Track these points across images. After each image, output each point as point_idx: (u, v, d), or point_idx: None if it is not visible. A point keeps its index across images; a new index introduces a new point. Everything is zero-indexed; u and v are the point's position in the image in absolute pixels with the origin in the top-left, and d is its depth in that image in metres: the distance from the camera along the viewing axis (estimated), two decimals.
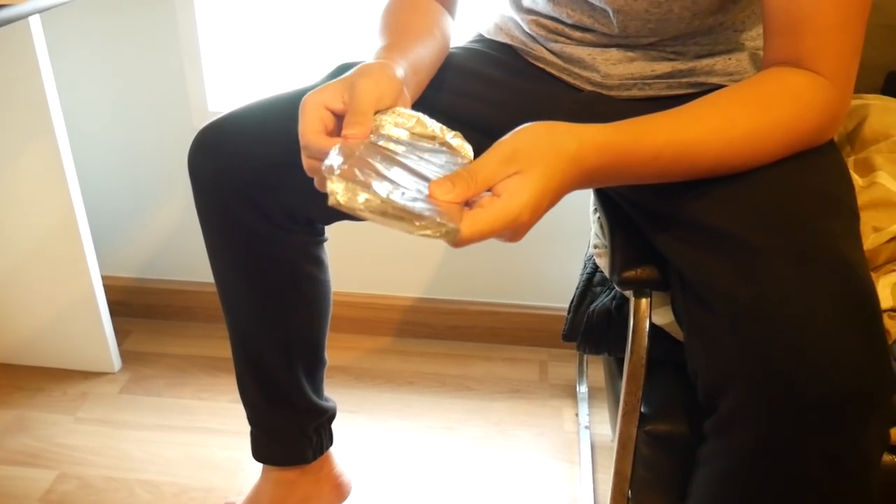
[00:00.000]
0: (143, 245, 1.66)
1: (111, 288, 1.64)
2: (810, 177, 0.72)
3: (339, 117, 0.66)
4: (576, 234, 1.52)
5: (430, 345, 1.64)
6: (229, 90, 1.53)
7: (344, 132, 0.62)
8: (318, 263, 0.99)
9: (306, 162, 0.66)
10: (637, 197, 0.84)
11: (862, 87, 1.19)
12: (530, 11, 0.95)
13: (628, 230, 0.83)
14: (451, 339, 1.65)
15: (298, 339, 1.01)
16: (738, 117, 0.70)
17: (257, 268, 0.93)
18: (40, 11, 0.78)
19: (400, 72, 0.71)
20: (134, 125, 1.54)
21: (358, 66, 0.69)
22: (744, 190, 0.71)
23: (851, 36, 0.70)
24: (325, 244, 1.00)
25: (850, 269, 0.62)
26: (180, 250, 1.65)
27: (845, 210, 0.71)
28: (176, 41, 1.45)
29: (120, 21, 1.44)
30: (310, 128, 0.65)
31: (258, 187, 0.87)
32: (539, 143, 0.62)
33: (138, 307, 1.69)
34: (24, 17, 0.76)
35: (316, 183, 0.66)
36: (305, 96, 0.67)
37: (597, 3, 0.85)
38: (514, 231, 0.60)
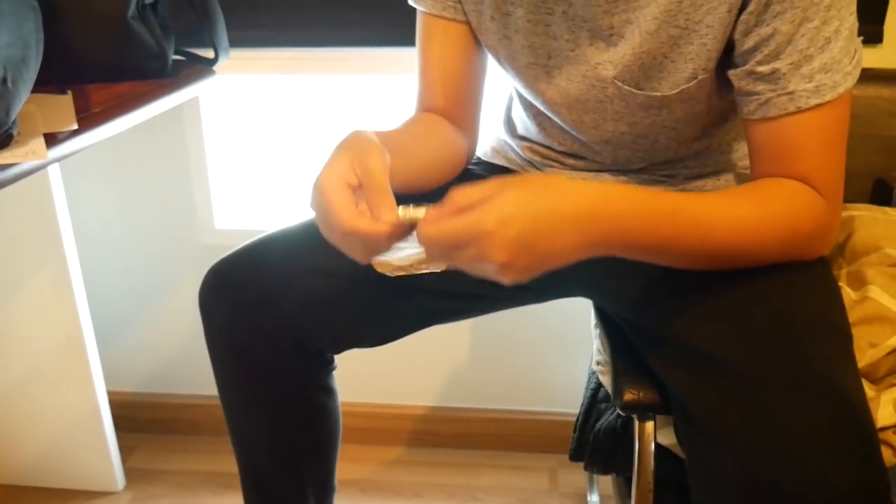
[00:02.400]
0: (149, 359, 1.67)
1: (116, 402, 1.64)
2: (802, 298, 0.74)
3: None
4: (581, 341, 1.53)
5: (437, 454, 1.62)
6: (235, 208, 1.58)
7: (381, 217, 0.62)
8: (329, 392, 0.99)
9: (356, 247, 0.65)
10: (633, 317, 0.85)
11: (850, 195, 1.22)
12: (524, 138, 0.99)
13: (628, 351, 0.84)
14: (459, 448, 1.63)
15: (308, 469, 1.00)
16: (743, 203, 0.72)
17: (269, 402, 0.94)
18: (59, 160, 0.82)
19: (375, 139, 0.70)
20: (142, 242, 1.58)
21: (348, 141, 0.68)
22: (736, 312, 0.73)
23: (837, 156, 0.74)
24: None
25: (845, 399, 0.63)
26: (185, 364, 1.66)
27: (837, 333, 0.72)
28: (185, 160, 1.50)
29: (130, 139, 1.50)
30: (350, 214, 0.62)
31: (272, 324, 0.88)
32: (528, 178, 0.63)
33: (143, 422, 1.68)
34: (45, 167, 0.80)
35: (361, 256, 0.66)
36: (322, 178, 0.65)
37: (584, 140, 0.88)
38: (480, 242, 0.59)
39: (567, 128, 0.89)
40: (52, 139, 0.80)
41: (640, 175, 0.91)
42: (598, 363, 0.99)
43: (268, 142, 1.56)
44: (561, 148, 0.93)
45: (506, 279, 0.62)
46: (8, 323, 1.39)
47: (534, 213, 0.60)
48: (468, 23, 0.88)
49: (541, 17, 0.80)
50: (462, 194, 0.61)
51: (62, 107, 0.90)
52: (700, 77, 0.76)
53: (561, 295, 0.99)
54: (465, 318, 1.01)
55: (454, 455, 1.62)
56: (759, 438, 0.62)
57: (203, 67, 1.17)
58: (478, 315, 1.01)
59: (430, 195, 0.71)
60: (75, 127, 0.83)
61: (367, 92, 1.49)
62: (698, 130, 0.84)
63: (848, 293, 0.88)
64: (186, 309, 1.62)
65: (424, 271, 0.67)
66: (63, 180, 1.32)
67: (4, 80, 0.72)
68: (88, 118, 0.88)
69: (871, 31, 1.28)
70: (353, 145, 0.68)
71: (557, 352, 1.55)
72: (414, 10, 0.93)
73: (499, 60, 0.89)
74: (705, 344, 0.71)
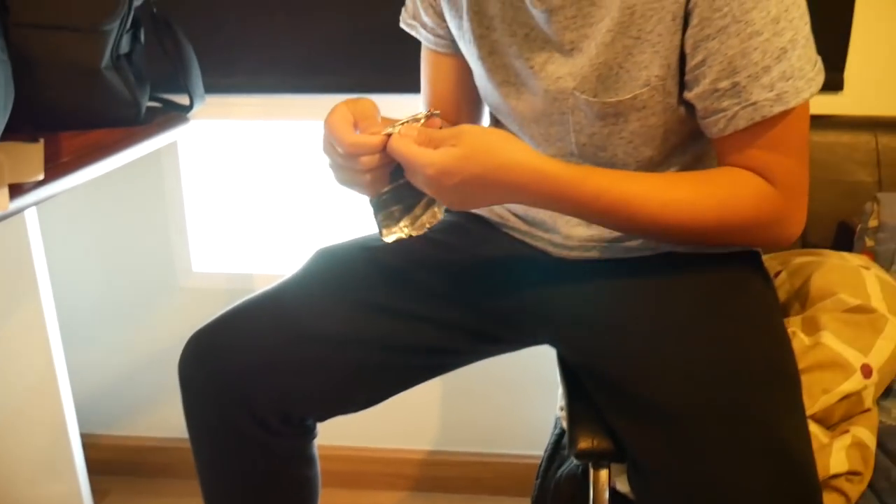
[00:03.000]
0: (123, 401, 1.66)
1: (89, 446, 1.63)
2: (750, 345, 0.75)
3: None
4: (556, 384, 1.53)
5: (413, 498, 1.61)
6: (213, 251, 1.59)
7: (372, 130, 0.75)
8: (311, 462, 0.98)
9: (358, 159, 0.76)
10: (589, 365, 0.86)
11: (815, 238, 1.25)
12: None
13: (585, 399, 0.85)
14: (435, 491, 1.62)
15: None
16: (679, 183, 0.79)
17: (248, 476, 0.92)
18: (44, 200, 0.84)
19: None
20: (118, 284, 1.59)
21: (345, 100, 0.79)
22: (685, 360, 0.74)
23: (795, 152, 0.78)
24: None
25: (787, 454, 0.64)
26: (160, 407, 1.65)
27: (786, 381, 0.73)
28: (162, 202, 1.52)
29: (108, 181, 1.51)
30: (349, 133, 0.75)
31: (257, 395, 0.87)
32: (485, 138, 0.74)
33: (117, 465, 1.67)
34: (21, 210, 0.81)
35: (368, 182, 0.78)
36: (328, 118, 0.77)
37: (552, 154, 0.91)
38: (423, 177, 0.73)
39: (537, 146, 0.92)
40: (17, 188, 0.82)
41: None
42: (561, 409, 1.00)
43: (246, 185, 1.58)
44: None
45: (441, 201, 0.77)
46: None
47: (471, 173, 0.72)
48: (458, 54, 0.97)
49: (510, 40, 0.86)
50: (433, 131, 0.74)
51: (31, 156, 0.92)
52: (653, 84, 0.79)
53: (528, 343, 1.01)
54: (444, 372, 1.02)
55: (430, 499, 1.61)
56: (702, 492, 0.63)
57: (177, 114, 1.19)
58: (457, 368, 1.02)
59: None
60: (41, 177, 0.85)
61: None
62: (655, 152, 0.86)
63: (801, 339, 0.90)
64: (162, 351, 1.62)
65: (427, 225, 0.80)
66: (39, 222, 1.33)
67: None
68: (57, 167, 0.89)
69: (831, 79, 1.31)
70: (349, 100, 0.80)
71: (531, 394, 1.55)
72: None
73: (478, 79, 0.95)
74: (653, 394, 0.72)
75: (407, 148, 0.73)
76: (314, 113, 1.43)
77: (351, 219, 1.56)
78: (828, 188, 1.25)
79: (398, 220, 0.80)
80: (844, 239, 1.22)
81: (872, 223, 1.14)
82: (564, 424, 0.99)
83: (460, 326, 0.96)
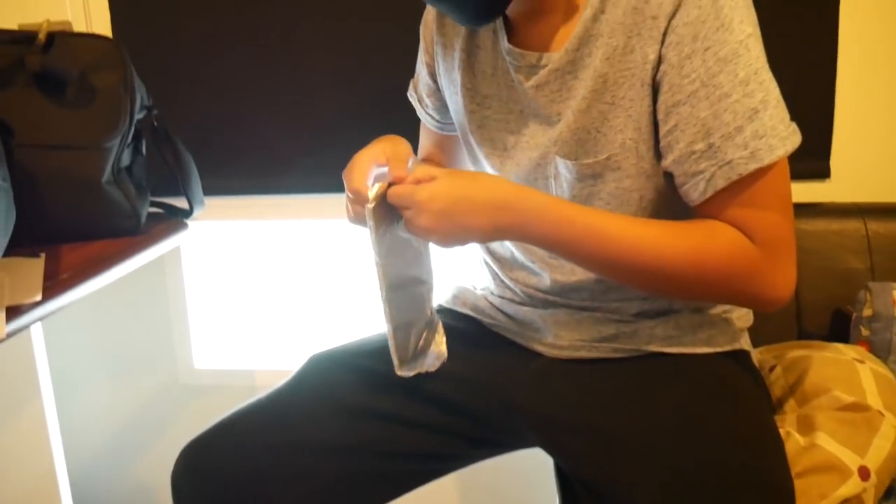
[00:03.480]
0: (124, 500, 1.65)
1: None
2: (742, 456, 0.75)
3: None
4: None
5: None
6: (215, 348, 1.60)
7: (393, 174, 0.84)
8: None
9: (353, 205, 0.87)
10: (581, 472, 0.85)
11: (811, 326, 1.25)
12: (487, 252, 1.04)
13: None
14: None
15: None
16: (653, 224, 0.79)
17: None
18: (42, 318, 0.86)
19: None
20: (120, 381, 1.60)
21: (385, 137, 0.91)
22: (676, 472, 0.74)
23: (776, 208, 0.77)
24: None
25: None
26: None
27: (774, 490, 0.72)
28: (164, 300, 1.54)
29: (112, 284, 1.54)
30: (361, 180, 0.85)
31: None
32: (468, 170, 0.86)
33: None
34: (19, 331, 0.83)
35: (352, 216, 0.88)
36: (359, 154, 0.88)
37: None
38: (414, 208, 0.79)
39: None
40: (15, 310, 0.84)
41: (594, 312, 0.94)
42: None
43: (247, 282, 1.60)
44: (518, 251, 0.98)
45: (432, 240, 0.81)
46: None
47: (456, 196, 0.79)
48: (449, 133, 1.09)
49: (507, 117, 0.93)
50: (421, 169, 0.82)
51: (32, 273, 0.94)
52: (627, 145, 0.82)
53: (522, 446, 1.00)
54: (439, 476, 1.01)
55: None
56: None
57: (177, 221, 1.22)
58: (451, 471, 1.02)
59: None
60: (39, 298, 0.87)
61: (343, 236, 1.54)
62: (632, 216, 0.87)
63: (796, 439, 0.89)
64: (163, 448, 1.61)
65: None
66: (42, 322, 1.35)
67: None
68: (56, 285, 0.92)
69: (817, 167, 1.34)
70: (390, 139, 0.91)
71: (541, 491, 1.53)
72: None
73: (469, 148, 1.01)
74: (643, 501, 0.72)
75: (399, 190, 0.81)
76: (313, 212, 1.46)
77: (349, 316, 1.57)
78: (820, 276, 1.26)
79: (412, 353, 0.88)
80: (841, 327, 1.22)
81: (867, 312, 1.14)
82: None
83: (454, 431, 0.96)
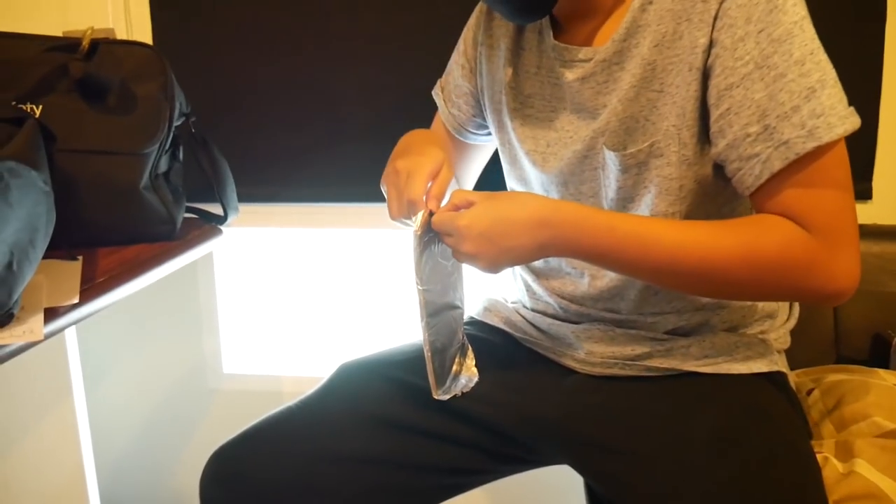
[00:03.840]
0: (150, 500, 1.66)
1: None
2: (777, 480, 0.73)
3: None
4: None
5: None
6: (244, 353, 1.61)
7: (429, 204, 0.83)
8: None
9: (401, 208, 0.85)
10: (611, 492, 0.84)
11: (849, 350, 1.22)
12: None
13: None
14: None
15: None
16: (699, 226, 0.77)
17: None
18: (79, 321, 0.87)
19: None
20: (150, 386, 1.61)
21: (434, 150, 0.87)
22: (706, 492, 0.72)
23: (832, 194, 0.74)
24: None
25: None
26: None
27: None
28: (196, 305, 1.55)
29: (145, 289, 1.56)
30: (419, 194, 0.82)
31: None
32: (503, 192, 0.82)
33: None
34: (55, 334, 0.84)
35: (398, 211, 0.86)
36: (417, 165, 0.84)
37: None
38: (456, 234, 0.78)
39: None
40: (53, 311, 0.85)
41: (628, 329, 0.93)
42: None
43: (278, 289, 1.61)
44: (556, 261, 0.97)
45: (479, 266, 0.80)
46: (12, 467, 1.41)
47: (493, 218, 0.78)
48: (461, 139, 1.10)
49: (545, 115, 0.93)
50: (458, 195, 0.81)
51: (69, 275, 0.96)
52: (669, 131, 0.81)
53: (550, 463, 0.99)
54: (465, 490, 1.00)
55: None
56: None
57: (212, 227, 1.23)
58: (477, 486, 1.01)
59: None
60: (76, 300, 0.88)
61: (375, 245, 1.55)
62: (675, 209, 0.85)
63: (834, 465, 0.87)
64: (191, 451, 1.62)
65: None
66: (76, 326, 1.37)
67: (10, 265, 0.77)
68: (92, 288, 0.93)
69: (860, 188, 1.31)
70: (445, 159, 0.87)
71: None
72: None
73: (508, 149, 1.00)
74: None
75: (444, 215, 0.81)
76: (344, 221, 1.47)
77: (377, 325, 1.57)
78: (861, 300, 1.22)
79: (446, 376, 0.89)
80: (880, 352, 1.19)
81: None
82: None
83: (482, 446, 0.95)
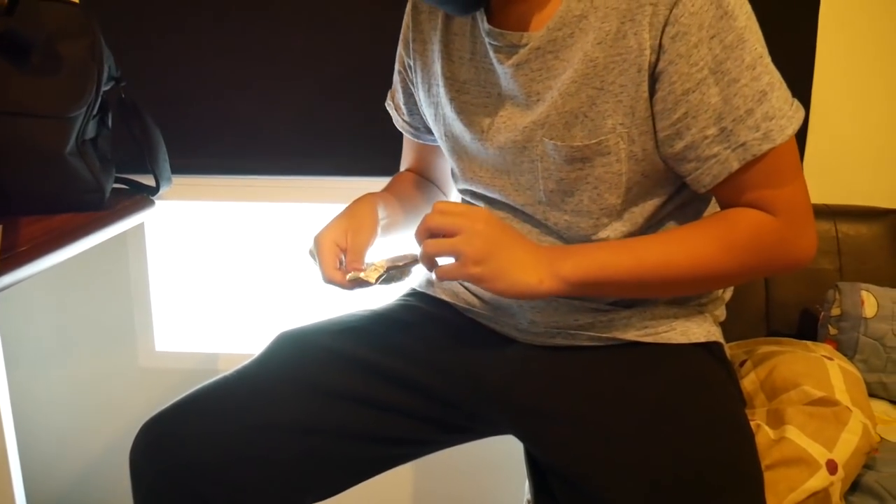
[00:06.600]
0: (81, 486, 1.60)
1: None
2: (713, 445, 0.74)
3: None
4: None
5: None
6: (177, 330, 1.57)
7: (349, 267, 0.88)
8: None
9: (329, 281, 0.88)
10: (552, 460, 0.84)
11: (779, 325, 1.26)
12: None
13: (549, 495, 0.84)
14: None
15: None
16: (677, 235, 0.84)
17: None
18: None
19: (380, 212, 0.96)
20: (78, 363, 1.55)
21: (353, 209, 0.94)
22: (647, 461, 0.73)
23: (790, 182, 0.80)
24: None
25: None
26: (120, 490, 1.59)
27: (747, 482, 0.72)
28: (126, 281, 1.50)
29: (70, 259, 1.49)
30: (331, 267, 0.88)
31: (207, 489, 0.85)
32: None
33: None
34: None
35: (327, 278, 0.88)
36: (321, 236, 0.89)
37: (519, 205, 0.94)
38: (467, 232, 0.77)
39: (506, 196, 0.94)
40: None
41: (571, 299, 0.93)
42: (528, 501, 0.98)
43: (213, 264, 1.57)
44: None
45: (485, 272, 0.78)
46: None
47: (498, 224, 0.81)
48: (426, 142, 1.10)
49: (485, 100, 0.92)
50: (445, 203, 0.81)
51: None
52: (618, 131, 0.82)
53: (493, 433, 0.99)
54: (405, 461, 0.99)
55: None
56: None
57: (142, 198, 1.19)
58: (419, 457, 1.00)
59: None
60: None
61: (312, 219, 1.52)
62: (618, 200, 0.87)
63: (766, 432, 0.89)
64: (121, 432, 1.57)
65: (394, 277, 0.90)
66: None
67: None
68: (12, 258, 0.88)
69: None
70: (355, 215, 0.94)
71: (510, 475, 1.52)
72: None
73: (451, 141, 0.99)
74: (614, 495, 0.71)
75: (443, 219, 0.80)
76: (284, 195, 1.43)
77: (317, 298, 1.55)
78: (791, 276, 1.27)
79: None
80: (808, 326, 1.23)
81: (835, 311, 1.16)
82: None
83: (425, 416, 0.94)
